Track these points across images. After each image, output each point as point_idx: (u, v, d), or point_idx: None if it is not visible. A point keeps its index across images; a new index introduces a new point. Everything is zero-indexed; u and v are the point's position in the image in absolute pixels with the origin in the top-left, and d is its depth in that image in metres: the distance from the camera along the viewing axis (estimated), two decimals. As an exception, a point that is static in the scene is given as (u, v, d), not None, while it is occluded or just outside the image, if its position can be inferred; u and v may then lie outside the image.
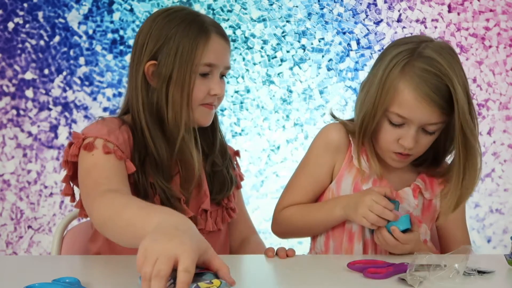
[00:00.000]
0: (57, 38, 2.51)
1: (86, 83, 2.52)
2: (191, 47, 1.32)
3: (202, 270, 0.93)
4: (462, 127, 1.27)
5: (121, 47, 2.52)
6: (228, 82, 2.53)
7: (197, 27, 1.34)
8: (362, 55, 2.54)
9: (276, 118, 2.54)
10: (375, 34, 2.55)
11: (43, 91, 2.51)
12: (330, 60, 2.55)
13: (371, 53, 2.54)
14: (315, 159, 1.42)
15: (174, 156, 1.33)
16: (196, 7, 2.51)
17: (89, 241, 1.43)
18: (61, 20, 2.51)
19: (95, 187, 1.20)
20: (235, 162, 1.57)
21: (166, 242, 0.89)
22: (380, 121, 1.32)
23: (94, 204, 1.15)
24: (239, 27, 2.53)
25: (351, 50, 2.55)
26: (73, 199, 1.36)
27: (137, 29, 2.42)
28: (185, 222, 0.97)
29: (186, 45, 1.32)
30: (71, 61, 2.51)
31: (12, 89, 2.51)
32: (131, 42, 2.49)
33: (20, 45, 2.50)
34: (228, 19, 2.53)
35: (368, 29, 2.55)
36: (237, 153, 1.58)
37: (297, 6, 2.54)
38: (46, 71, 2.51)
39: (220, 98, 1.40)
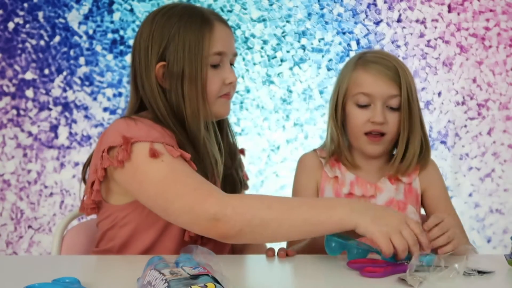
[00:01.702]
0: (57, 38, 2.51)
1: (86, 83, 2.52)
2: (198, 39, 1.31)
3: (200, 272, 0.93)
4: (408, 98, 1.44)
5: (121, 47, 2.52)
6: (228, 82, 2.53)
7: (199, 19, 1.33)
8: (362, 55, 2.54)
9: (276, 118, 2.54)
10: (375, 34, 2.55)
11: (43, 91, 2.51)
12: (330, 60, 2.55)
13: (371, 53, 2.54)
14: (300, 184, 1.55)
15: (201, 157, 1.31)
16: (196, 7, 2.52)
17: (100, 239, 1.39)
18: (61, 20, 2.51)
19: (206, 188, 1.20)
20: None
21: (388, 221, 1.15)
22: (348, 110, 1.48)
23: (233, 203, 1.17)
24: (239, 27, 2.54)
25: (351, 50, 2.55)
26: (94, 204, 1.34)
27: (137, 29, 2.42)
28: (360, 201, 1.22)
29: (192, 39, 1.30)
30: (71, 61, 2.51)
31: (12, 89, 2.51)
32: (131, 42, 2.50)
33: (20, 45, 2.50)
34: (228, 19, 2.52)
35: (368, 29, 2.55)
36: (241, 152, 1.56)
37: (297, 6, 2.54)
38: (46, 71, 2.51)
39: (234, 86, 1.39)
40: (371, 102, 1.45)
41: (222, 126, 1.45)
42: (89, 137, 2.52)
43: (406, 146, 1.49)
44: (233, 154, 1.47)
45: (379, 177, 1.52)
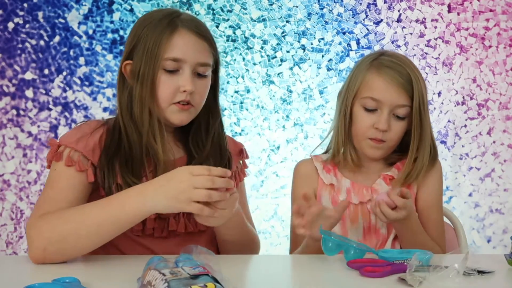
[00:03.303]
0: (57, 38, 2.51)
1: (86, 83, 2.51)
2: (155, 42, 1.32)
3: (200, 272, 0.93)
4: (419, 108, 1.44)
5: (121, 47, 2.52)
6: (228, 82, 2.53)
7: (165, 23, 1.34)
8: (362, 55, 2.54)
9: (276, 118, 2.54)
10: (375, 34, 2.55)
11: (43, 91, 2.51)
12: (330, 60, 2.55)
13: (371, 53, 2.54)
14: (298, 192, 1.52)
15: (144, 151, 1.33)
16: (196, 7, 2.51)
17: None
18: (61, 20, 2.51)
19: (40, 207, 1.26)
20: (240, 162, 1.53)
21: (177, 187, 1.16)
22: (355, 111, 1.47)
23: (37, 224, 1.21)
24: (239, 27, 2.53)
25: (351, 50, 2.55)
26: None
27: (137, 29, 2.40)
28: (153, 181, 1.21)
29: (152, 41, 1.33)
30: (71, 61, 2.51)
31: (12, 89, 2.51)
32: (131, 42, 2.49)
33: (20, 45, 2.50)
34: (228, 19, 2.53)
35: (368, 29, 2.55)
36: (241, 151, 1.54)
37: (297, 6, 2.54)
38: (46, 71, 2.51)
39: (196, 96, 1.36)
40: (378, 108, 1.44)
41: (208, 126, 1.44)
42: (89, 137, 2.51)
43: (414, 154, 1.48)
44: (219, 158, 1.43)
45: (375, 179, 1.52)
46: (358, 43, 2.55)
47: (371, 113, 1.45)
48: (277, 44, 2.54)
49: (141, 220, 1.23)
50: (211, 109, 1.44)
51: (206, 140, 1.43)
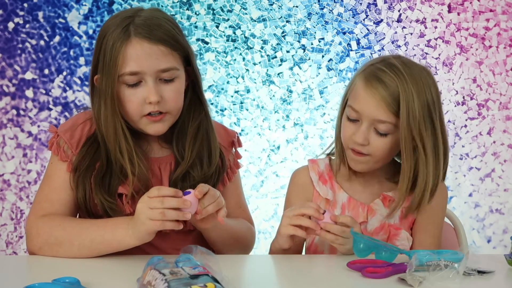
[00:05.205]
0: (57, 38, 2.51)
1: (86, 83, 2.52)
2: (110, 57, 1.28)
3: (200, 272, 0.93)
4: (409, 128, 1.30)
5: (121, 47, 2.52)
6: (228, 82, 2.53)
7: (118, 33, 1.28)
8: (362, 55, 2.54)
9: (276, 118, 2.54)
10: (375, 34, 2.55)
11: (43, 91, 2.51)
12: (330, 60, 2.55)
13: (371, 53, 2.54)
14: (290, 202, 1.47)
15: (112, 158, 1.33)
16: (196, 7, 2.51)
17: None
18: (61, 20, 2.51)
19: (40, 205, 1.33)
20: (233, 152, 1.48)
21: (138, 217, 1.20)
22: (343, 118, 1.39)
23: (38, 224, 1.29)
24: (239, 27, 2.53)
25: (351, 50, 2.55)
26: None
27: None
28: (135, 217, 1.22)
29: (108, 55, 1.28)
30: (71, 61, 2.51)
31: (12, 89, 2.51)
32: (131, 42, 2.49)
33: (20, 45, 2.50)
34: (228, 19, 2.53)
35: (368, 29, 2.55)
36: (233, 143, 1.49)
37: (297, 6, 2.54)
38: (46, 71, 2.51)
39: (167, 103, 1.31)
40: (359, 119, 1.34)
41: (188, 132, 1.38)
42: (89, 137, 2.52)
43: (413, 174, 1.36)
44: (206, 165, 1.38)
45: (373, 198, 1.43)
46: (358, 43, 2.55)
47: (353, 123, 1.35)
48: (277, 44, 2.54)
49: (123, 249, 1.26)
50: (195, 104, 1.39)
51: (189, 139, 1.37)
